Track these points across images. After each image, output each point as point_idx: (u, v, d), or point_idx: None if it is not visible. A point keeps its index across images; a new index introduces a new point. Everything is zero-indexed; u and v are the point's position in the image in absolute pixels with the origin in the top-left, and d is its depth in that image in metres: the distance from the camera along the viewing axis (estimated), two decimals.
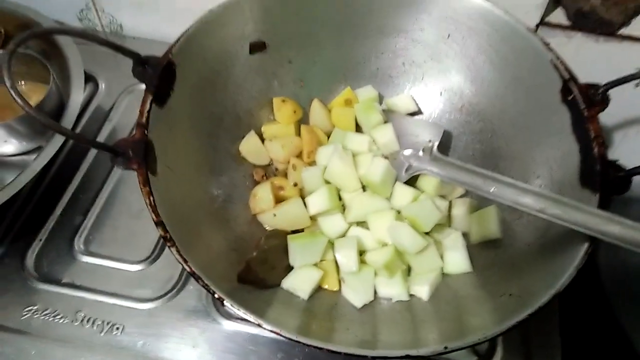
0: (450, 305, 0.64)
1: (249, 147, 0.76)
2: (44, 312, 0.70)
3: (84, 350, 0.67)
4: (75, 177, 0.81)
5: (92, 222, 0.78)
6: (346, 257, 0.67)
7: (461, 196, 0.74)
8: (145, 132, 0.59)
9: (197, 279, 0.53)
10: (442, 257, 0.68)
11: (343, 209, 0.73)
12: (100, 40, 0.59)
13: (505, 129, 0.73)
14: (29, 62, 0.83)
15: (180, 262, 0.54)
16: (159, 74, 0.62)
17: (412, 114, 0.81)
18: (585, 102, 0.61)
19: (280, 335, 0.52)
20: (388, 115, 0.79)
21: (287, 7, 0.74)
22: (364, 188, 0.73)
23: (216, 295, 0.53)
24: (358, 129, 0.79)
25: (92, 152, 0.84)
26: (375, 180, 0.70)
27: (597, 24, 0.78)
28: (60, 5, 0.97)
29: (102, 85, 0.93)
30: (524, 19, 0.68)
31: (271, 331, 0.52)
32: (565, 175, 0.62)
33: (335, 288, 0.67)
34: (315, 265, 0.68)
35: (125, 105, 0.90)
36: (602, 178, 0.57)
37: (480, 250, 0.69)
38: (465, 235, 0.70)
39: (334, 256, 0.68)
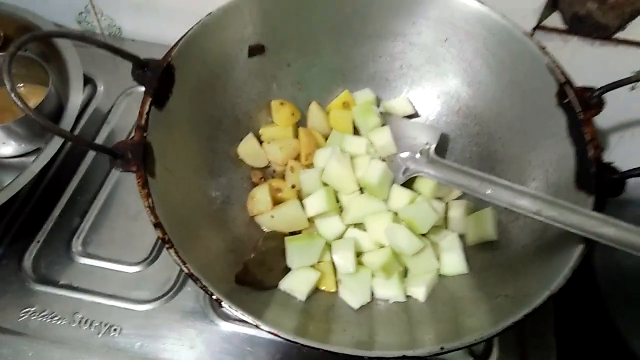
0: (446, 306, 0.64)
1: (247, 149, 0.77)
2: (42, 314, 0.70)
3: (81, 351, 0.67)
4: (73, 179, 0.82)
5: (90, 223, 0.78)
6: (343, 259, 0.68)
7: (458, 198, 0.75)
8: (144, 134, 0.60)
9: (196, 280, 0.53)
10: (438, 258, 0.69)
11: (340, 211, 0.73)
12: (100, 44, 0.60)
13: (501, 132, 0.73)
14: (28, 64, 0.84)
15: (178, 264, 0.54)
16: (158, 76, 0.63)
17: (410, 117, 0.81)
18: (580, 105, 0.61)
19: (278, 336, 0.52)
20: (385, 118, 0.79)
21: (286, 10, 0.75)
22: (361, 190, 0.74)
23: (214, 297, 0.53)
24: (356, 131, 0.80)
25: (90, 155, 0.84)
26: (373, 183, 0.70)
27: (593, 28, 0.78)
28: (59, 8, 0.97)
29: (100, 88, 0.93)
30: (520, 23, 0.68)
31: (269, 332, 0.52)
32: (561, 177, 0.63)
33: (333, 289, 0.68)
34: (313, 266, 0.68)
35: (123, 107, 0.91)
36: (597, 180, 0.57)
37: (477, 251, 0.70)
38: (461, 237, 0.71)
39: (332, 258, 0.68)
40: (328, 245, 0.70)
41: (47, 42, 0.85)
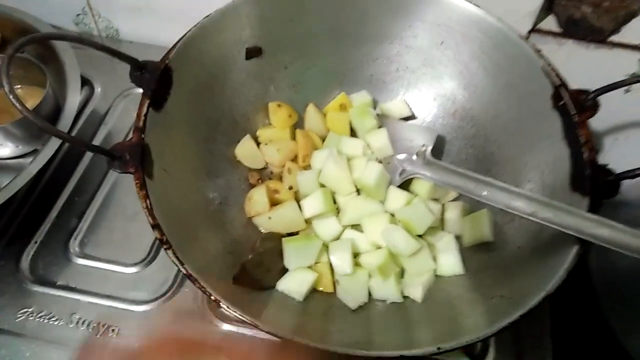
0: (443, 306, 0.64)
1: (245, 150, 0.77)
2: (39, 314, 0.70)
3: (79, 352, 0.67)
4: (70, 180, 0.82)
5: (88, 224, 0.78)
6: (341, 260, 0.68)
7: (454, 200, 0.75)
8: (142, 135, 0.60)
9: (194, 281, 0.54)
10: (435, 259, 0.69)
11: (337, 212, 0.74)
12: (98, 46, 0.60)
13: (497, 134, 0.74)
14: (26, 65, 0.84)
15: (176, 265, 0.54)
16: (156, 78, 0.63)
17: (406, 119, 0.81)
18: (575, 107, 0.62)
19: (276, 336, 0.52)
20: (382, 120, 0.80)
21: (283, 13, 0.75)
22: (358, 192, 0.74)
23: (212, 297, 0.53)
24: (352, 133, 0.80)
25: (88, 156, 0.84)
26: (370, 184, 0.71)
27: (588, 31, 0.79)
28: (56, 10, 0.97)
29: (97, 89, 0.93)
30: (516, 26, 0.69)
31: (267, 332, 0.52)
32: (556, 179, 0.63)
33: (330, 290, 0.68)
34: (310, 267, 0.68)
35: (121, 109, 0.91)
36: (592, 182, 0.58)
37: (473, 252, 0.70)
38: (458, 238, 0.71)
39: (329, 259, 0.69)
40: (325, 246, 0.70)
41: (44, 44, 0.85)
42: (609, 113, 0.65)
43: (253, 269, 0.65)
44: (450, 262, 0.69)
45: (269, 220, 0.72)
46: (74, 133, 0.86)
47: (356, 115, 0.79)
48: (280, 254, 0.68)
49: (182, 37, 0.67)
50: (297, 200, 0.73)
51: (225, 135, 0.76)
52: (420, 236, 0.70)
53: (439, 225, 0.73)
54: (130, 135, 0.60)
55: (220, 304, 0.53)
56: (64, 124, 0.77)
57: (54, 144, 0.75)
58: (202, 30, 0.69)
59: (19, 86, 0.87)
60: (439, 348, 0.52)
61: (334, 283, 0.68)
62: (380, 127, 0.78)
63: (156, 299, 0.71)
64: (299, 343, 0.52)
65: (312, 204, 0.71)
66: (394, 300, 0.67)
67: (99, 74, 0.94)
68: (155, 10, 0.95)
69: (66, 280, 0.73)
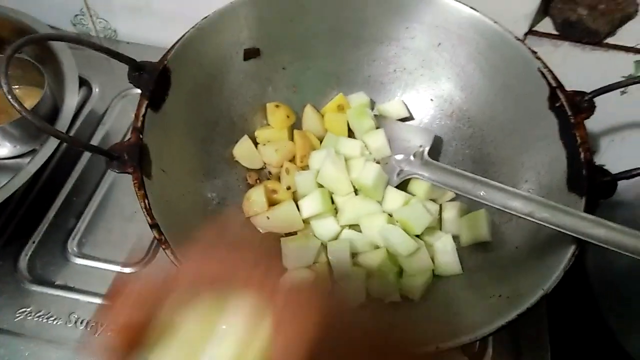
0: (441, 306, 0.65)
1: (243, 151, 0.77)
2: (38, 314, 0.69)
3: (77, 351, 0.67)
4: (68, 181, 0.81)
5: (86, 224, 0.78)
6: (339, 260, 0.68)
7: (451, 200, 0.75)
8: (140, 136, 0.60)
9: None
10: (433, 259, 0.70)
11: (335, 212, 0.74)
12: (97, 46, 0.60)
13: (494, 135, 0.74)
14: (24, 66, 0.84)
15: (175, 264, 0.54)
16: (154, 79, 0.63)
17: (404, 120, 0.82)
18: (572, 109, 0.62)
19: None
20: (380, 120, 0.80)
21: (281, 14, 0.75)
22: (356, 192, 0.74)
23: None
24: (350, 134, 0.80)
25: (86, 156, 0.84)
26: (368, 184, 0.71)
27: (584, 34, 0.79)
28: (54, 10, 0.97)
29: (95, 90, 0.93)
30: (512, 28, 0.69)
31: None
32: (552, 179, 0.64)
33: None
34: (308, 267, 0.68)
35: (118, 109, 0.91)
36: (588, 182, 0.58)
37: (471, 252, 0.70)
38: (455, 238, 0.72)
39: (327, 258, 0.69)
40: (323, 246, 0.70)
41: (42, 45, 0.85)
42: (605, 114, 0.65)
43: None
44: (448, 262, 0.69)
45: (267, 220, 0.72)
46: (72, 133, 0.86)
47: (354, 116, 0.79)
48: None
49: (181, 38, 0.67)
50: (295, 200, 0.73)
51: (224, 136, 0.77)
52: (418, 236, 0.70)
53: (437, 225, 0.73)
54: (129, 136, 0.61)
55: None
56: (62, 124, 0.77)
57: (52, 144, 0.74)
58: (200, 32, 0.69)
59: (17, 86, 0.86)
60: (437, 347, 0.52)
61: (332, 283, 0.68)
62: (377, 127, 0.78)
63: None
64: None
65: (310, 204, 0.71)
66: (392, 300, 0.67)
67: (96, 74, 0.94)
68: (153, 12, 0.95)
69: (64, 280, 0.73)
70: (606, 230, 0.53)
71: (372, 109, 0.82)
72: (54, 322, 0.69)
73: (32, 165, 0.72)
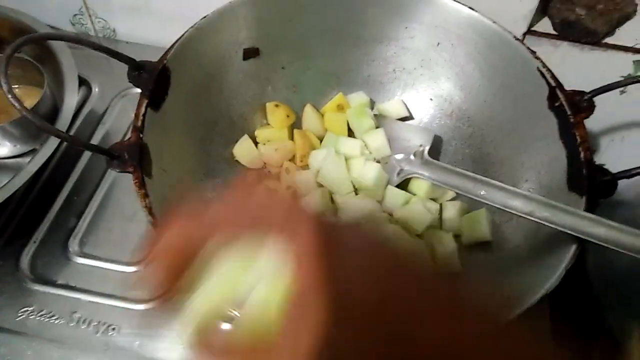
0: None
1: (243, 150, 0.77)
2: (40, 313, 0.69)
3: (80, 350, 0.67)
4: (69, 180, 0.81)
5: (87, 224, 0.78)
6: None
7: (452, 199, 0.76)
8: (141, 135, 0.60)
9: None
10: (433, 258, 0.70)
11: (336, 211, 0.74)
12: (96, 46, 0.60)
13: (494, 135, 0.75)
14: (23, 65, 0.84)
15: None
16: (154, 78, 0.63)
17: (403, 119, 0.82)
18: (571, 108, 0.63)
19: None
20: (380, 120, 0.80)
21: (280, 14, 0.76)
22: (356, 191, 0.75)
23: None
24: (350, 133, 0.80)
25: (86, 155, 0.84)
26: (368, 184, 0.71)
27: (583, 34, 0.79)
28: (53, 10, 0.97)
29: (95, 89, 0.93)
30: (511, 28, 0.70)
31: None
32: (553, 179, 0.64)
33: None
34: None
35: (118, 109, 0.90)
36: (588, 182, 0.59)
37: (471, 251, 0.71)
38: (456, 237, 0.72)
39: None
40: None
41: (41, 44, 0.85)
42: (605, 114, 0.65)
43: None
44: (448, 261, 0.69)
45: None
46: (71, 133, 0.85)
47: (354, 116, 0.79)
48: None
49: (180, 37, 0.68)
50: None
51: (223, 136, 0.77)
52: (418, 235, 0.70)
53: (438, 224, 0.74)
54: (129, 135, 0.61)
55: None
56: (62, 123, 0.77)
57: (52, 143, 0.74)
58: (199, 31, 0.69)
59: (16, 86, 0.86)
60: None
61: None
62: (377, 127, 0.79)
63: (156, 297, 0.71)
64: None
65: (310, 204, 0.71)
66: None
67: (96, 74, 0.94)
68: (151, 11, 0.95)
69: (66, 279, 0.73)
70: (606, 229, 0.53)
71: (372, 108, 0.83)
72: (56, 321, 0.69)
73: (32, 165, 0.72)
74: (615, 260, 0.77)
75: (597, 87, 0.63)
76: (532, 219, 0.58)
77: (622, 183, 0.59)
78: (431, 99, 0.81)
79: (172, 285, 0.34)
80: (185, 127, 0.71)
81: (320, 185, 0.74)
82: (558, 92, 0.64)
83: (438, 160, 0.75)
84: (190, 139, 0.72)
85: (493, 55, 0.72)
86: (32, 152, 0.84)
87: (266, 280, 0.32)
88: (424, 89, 0.81)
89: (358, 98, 0.82)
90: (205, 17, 0.70)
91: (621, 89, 0.79)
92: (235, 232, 0.33)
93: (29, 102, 0.81)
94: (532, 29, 0.82)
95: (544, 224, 0.57)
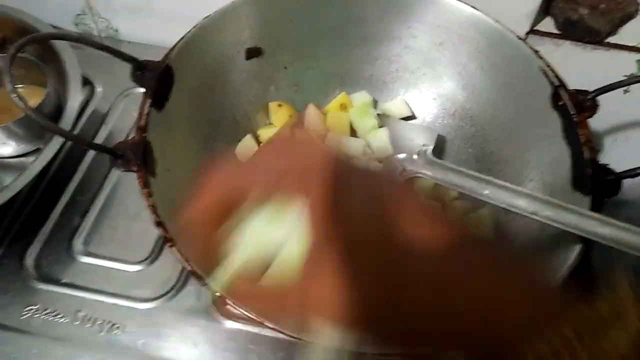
0: None
1: (246, 150, 0.77)
2: (44, 312, 0.70)
3: (84, 349, 0.68)
4: (73, 180, 0.82)
5: (91, 223, 0.78)
6: None
7: (455, 199, 0.75)
8: (144, 134, 0.60)
9: (199, 278, 0.54)
10: None
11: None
12: (100, 45, 0.60)
13: (497, 134, 0.75)
14: (27, 65, 0.84)
15: (181, 262, 0.54)
16: (157, 78, 0.63)
17: (406, 119, 0.82)
18: (575, 107, 0.62)
19: (282, 332, 0.52)
20: (382, 119, 0.80)
21: (283, 14, 0.76)
22: None
23: (217, 294, 0.54)
24: (353, 133, 0.80)
25: (90, 155, 0.84)
26: None
27: (585, 33, 0.79)
28: (56, 10, 0.97)
29: (98, 89, 0.93)
30: (513, 27, 0.70)
31: (273, 329, 0.52)
32: (557, 178, 0.64)
33: None
34: None
35: (121, 109, 0.91)
36: (593, 181, 0.59)
37: None
38: None
39: None
40: None
41: (44, 44, 0.85)
42: (608, 114, 0.65)
43: None
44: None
45: None
46: (75, 132, 0.86)
47: (356, 115, 0.79)
48: None
49: (183, 37, 0.68)
50: None
51: (226, 135, 0.77)
52: None
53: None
54: (132, 135, 0.61)
55: (226, 300, 0.54)
56: (66, 123, 0.77)
57: (56, 143, 0.75)
58: (202, 31, 0.69)
59: (20, 86, 0.87)
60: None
61: None
62: (380, 127, 0.79)
63: (160, 296, 0.72)
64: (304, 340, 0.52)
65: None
66: None
67: (99, 73, 0.94)
68: (154, 11, 0.95)
69: (70, 278, 0.73)
70: (611, 228, 0.53)
71: (375, 108, 0.82)
72: (61, 320, 0.69)
73: (36, 164, 0.73)
74: (621, 259, 0.77)
75: (600, 86, 0.63)
76: (537, 218, 0.57)
77: (626, 182, 0.59)
78: (434, 99, 0.81)
79: (211, 242, 0.36)
80: (189, 126, 0.71)
81: None
82: (561, 91, 0.64)
83: (441, 159, 0.75)
84: (194, 138, 0.72)
85: (495, 55, 0.72)
86: (36, 151, 0.84)
87: (294, 234, 0.34)
88: (426, 88, 0.81)
89: (361, 97, 0.82)
90: (207, 16, 0.70)
91: (624, 88, 0.79)
92: (266, 190, 0.35)
93: (33, 102, 0.81)
94: (535, 28, 0.82)
95: (548, 224, 0.57)
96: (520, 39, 0.69)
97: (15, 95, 0.53)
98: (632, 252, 0.52)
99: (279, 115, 0.79)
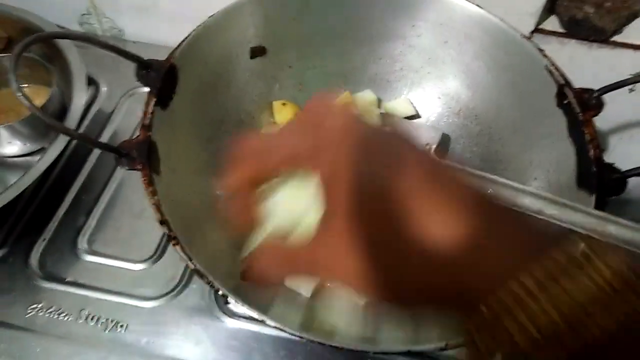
0: None
1: None
2: (49, 310, 0.70)
3: (88, 347, 0.68)
4: (78, 179, 0.82)
5: (95, 222, 0.78)
6: None
7: None
8: (149, 133, 0.60)
9: (202, 276, 0.54)
10: None
11: None
12: (104, 45, 0.61)
13: (501, 133, 0.74)
14: (32, 65, 0.84)
15: (185, 260, 0.54)
16: (162, 77, 0.64)
17: (411, 118, 0.82)
18: (580, 106, 0.62)
19: (284, 331, 0.52)
20: (386, 118, 0.80)
21: (287, 13, 0.76)
22: None
23: (221, 293, 0.54)
24: None
25: (95, 154, 0.85)
26: None
27: (590, 32, 0.79)
28: (61, 10, 0.97)
29: (103, 89, 0.93)
30: (518, 26, 0.69)
31: (275, 327, 0.52)
32: (561, 177, 0.64)
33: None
34: None
35: (126, 108, 0.91)
36: (598, 180, 0.58)
37: None
38: None
39: None
40: None
41: (49, 43, 0.86)
42: (613, 112, 0.65)
43: None
44: None
45: None
46: (80, 131, 0.86)
47: (361, 114, 0.79)
48: None
49: (187, 36, 0.68)
50: None
51: (230, 134, 0.77)
52: None
53: None
54: (137, 134, 0.61)
55: (229, 299, 0.54)
56: (71, 122, 0.77)
57: (61, 142, 0.75)
58: (206, 30, 0.69)
59: (25, 85, 0.87)
60: (446, 344, 0.52)
61: None
62: (384, 126, 0.79)
63: (164, 295, 0.72)
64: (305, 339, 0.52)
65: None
66: None
67: (103, 73, 0.94)
68: (159, 11, 0.95)
69: (75, 276, 0.73)
70: (616, 226, 0.53)
71: (379, 107, 0.82)
72: (65, 319, 0.70)
73: (41, 163, 0.73)
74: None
75: (606, 85, 0.62)
76: (541, 216, 0.57)
77: (631, 181, 0.59)
78: (438, 98, 0.81)
79: (245, 212, 0.40)
80: (193, 125, 0.71)
81: None
82: (566, 89, 0.64)
83: (445, 158, 0.75)
84: (198, 137, 0.72)
85: (500, 53, 0.72)
86: (41, 150, 0.84)
87: (314, 205, 0.37)
88: (431, 87, 0.81)
89: (365, 96, 0.81)
90: (212, 16, 0.70)
91: (630, 87, 0.79)
92: (290, 165, 0.38)
93: (38, 101, 0.81)
94: (540, 27, 0.81)
95: (553, 222, 0.56)
96: (525, 37, 0.69)
97: (20, 94, 0.53)
98: (638, 251, 0.52)
99: (283, 114, 0.79)
